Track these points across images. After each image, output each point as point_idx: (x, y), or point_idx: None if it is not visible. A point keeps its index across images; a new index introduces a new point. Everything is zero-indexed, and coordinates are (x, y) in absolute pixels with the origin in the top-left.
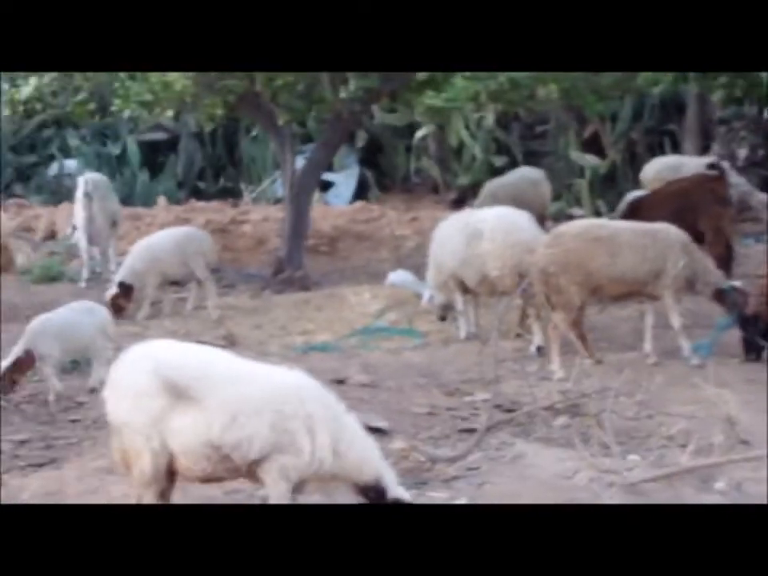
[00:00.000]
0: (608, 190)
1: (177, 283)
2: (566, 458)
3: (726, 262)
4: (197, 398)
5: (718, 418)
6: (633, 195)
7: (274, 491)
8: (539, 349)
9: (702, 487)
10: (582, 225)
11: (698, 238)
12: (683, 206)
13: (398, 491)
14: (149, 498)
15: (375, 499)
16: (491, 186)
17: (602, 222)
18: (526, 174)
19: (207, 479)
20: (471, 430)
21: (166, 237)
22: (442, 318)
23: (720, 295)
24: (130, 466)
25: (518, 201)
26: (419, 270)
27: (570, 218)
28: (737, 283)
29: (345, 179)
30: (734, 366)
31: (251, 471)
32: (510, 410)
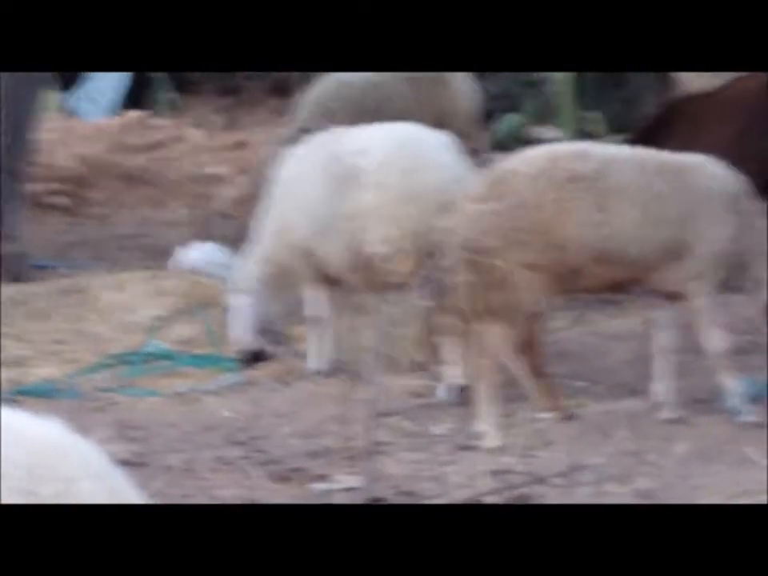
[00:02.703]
0: (609, 93)
1: None
2: None
3: None
4: None
5: None
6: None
7: None
8: (458, 391)
9: None
10: (545, 155)
11: None
12: (753, 123)
13: None
14: None
15: None
16: (322, 88)
17: (581, 147)
18: None
19: None
20: None
21: None
22: (256, 358)
23: None
24: None
25: (376, 117)
26: (241, 242)
27: (536, 143)
28: None
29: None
30: None
31: None
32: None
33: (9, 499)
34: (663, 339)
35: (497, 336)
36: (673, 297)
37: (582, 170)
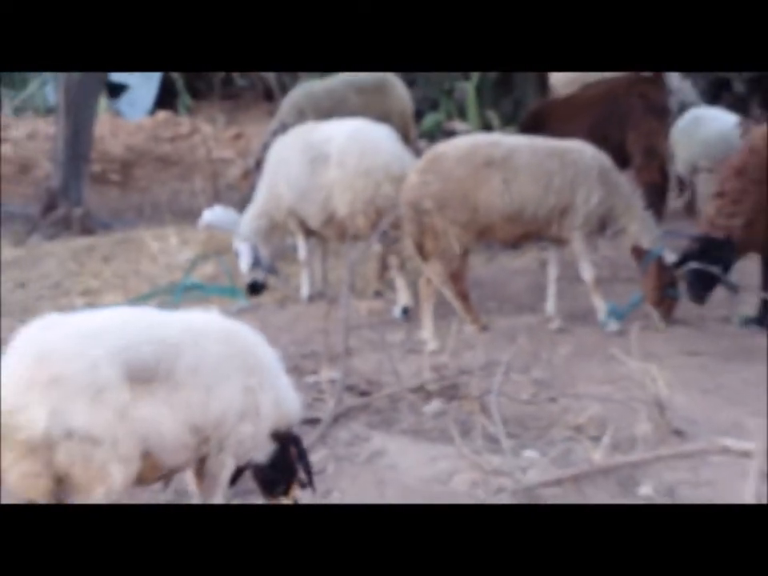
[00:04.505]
0: (502, 97)
1: None
2: (439, 456)
3: (659, 192)
4: (160, 376)
5: (644, 402)
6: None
7: (225, 473)
8: (405, 311)
9: (620, 492)
10: (469, 144)
11: (625, 160)
12: (606, 117)
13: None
14: None
15: (284, 439)
16: (296, 95)
17: (494, 138)
18: (353, 79)
19: (161, 477)
20: (314, 421)
21: None
22: (258, 288)
23: (638, 255)
24: (81, 489)
25: (335, 116)
26: (245, 207)
27: (451, 134)
28: (670, 254)
29: (143, 81)
30: (665, 333)
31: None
32: (365, 393)
33: (230, 389)
34: (552, 272)
35: (433, 271)
36: (559, 243)
37: (494, 155)
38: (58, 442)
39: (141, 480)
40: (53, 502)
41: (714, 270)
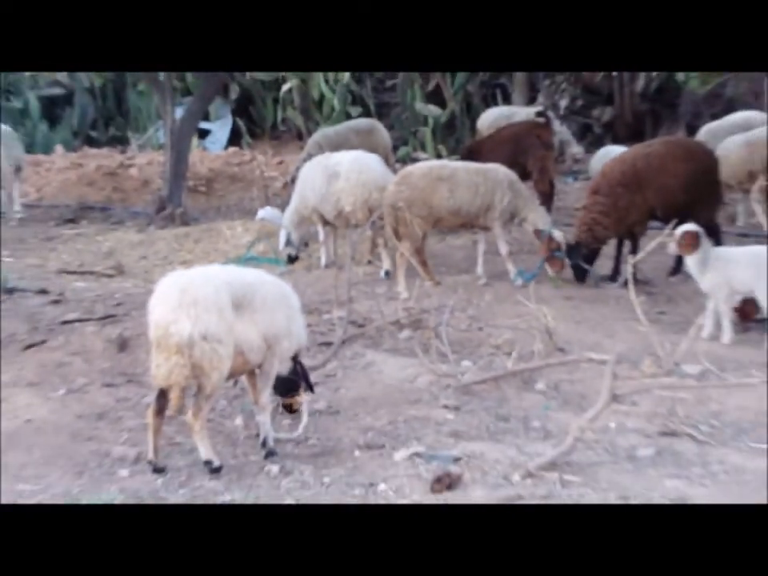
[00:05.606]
0: (448, 137)
1: None
2: (409, 366)
3: (548, 196)
4: (246, 304)
5: (538, 330)
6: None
7: (273, 370)
8: (387, 273)
9: (524, 387)
10: (427, 166)
11: (527, 176)
12: (515, 149)
13: None
14: (211, 403)
15: (295, 361)
16: (316, 135)
17: (444, 163)
18: (353, 124)
19: (243, 372)
20: (329, 343)
21: None
22: (293, 259)
23: (537, 234)
24: (205, 374)
25: (342, 149)
26: (285, 207)
27: (415, 160)
28: (556, 232)
29: (220, 127)
30: (552, 285)
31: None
32: (361, 326)
33: (280, 315)
34: (481, 247)
35: (404, 247)
36: (485, 229)
37: (443, 173)
38: (196, 342)
39: (233, 373)
40: (187, 385)
41: (581, 264)
